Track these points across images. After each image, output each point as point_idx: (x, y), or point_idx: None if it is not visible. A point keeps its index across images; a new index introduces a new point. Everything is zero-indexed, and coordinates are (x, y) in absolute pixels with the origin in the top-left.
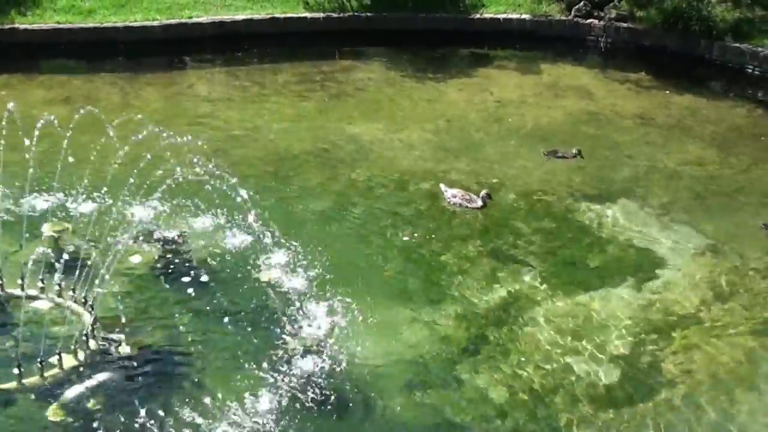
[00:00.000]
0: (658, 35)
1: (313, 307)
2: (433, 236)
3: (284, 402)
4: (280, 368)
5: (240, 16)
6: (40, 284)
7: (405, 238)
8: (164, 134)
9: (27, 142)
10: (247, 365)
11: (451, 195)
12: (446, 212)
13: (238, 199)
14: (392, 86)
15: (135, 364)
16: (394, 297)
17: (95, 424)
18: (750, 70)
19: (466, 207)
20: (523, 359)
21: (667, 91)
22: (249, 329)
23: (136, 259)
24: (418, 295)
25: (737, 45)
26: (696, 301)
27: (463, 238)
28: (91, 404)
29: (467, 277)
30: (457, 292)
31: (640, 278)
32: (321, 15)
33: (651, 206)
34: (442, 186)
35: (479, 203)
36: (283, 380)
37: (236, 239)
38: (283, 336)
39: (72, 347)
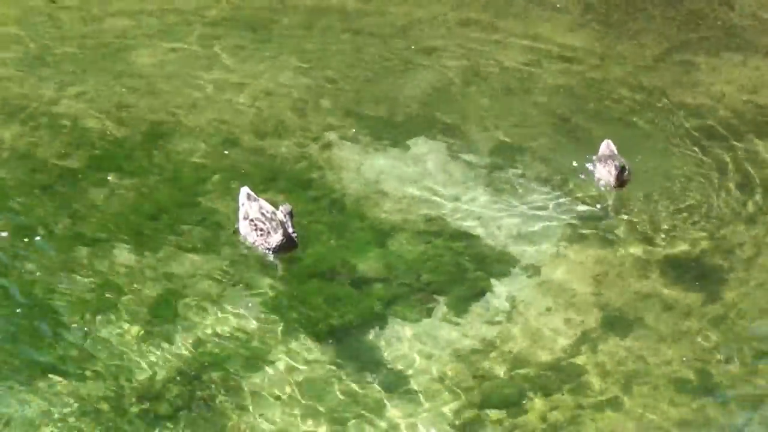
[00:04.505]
0: None
1: None
2: None
3: None
4: None
5: None
6: None
7: None
8: None
9: None
10: None
11: (250, 224)
12: None
13: None
14: None
15: None
16: None
17: None
18: None
19: (261, 248)
20: None
21: None
22: None
23: None
24: None
25: None
26: (569, 337)
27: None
28: None
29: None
30: None
31: (461, 298)
32: None
33: (475, 151)
34: (244, 193)
35: (278, 239)
36: None
37: None
38: None
39: None
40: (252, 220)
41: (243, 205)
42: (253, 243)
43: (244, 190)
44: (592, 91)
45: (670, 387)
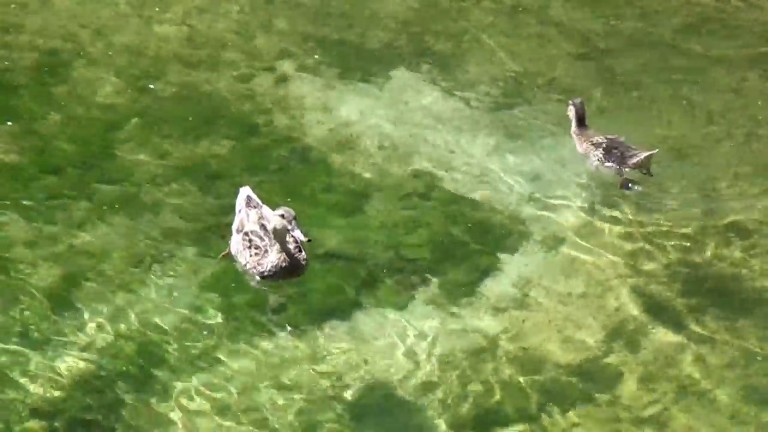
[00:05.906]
0: None
1: None
2: None
3: None
4: None
5: None
6: None
7: None
8: None
9: None
10: None
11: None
12: None
13: None
14: None
15: None
16: None
17: None
18: None
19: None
20: None
21: None
22: None
23: None
24: None
25: None
26: (599, 331)
27: None
28: None
29: None
30: None
31: (458, 280)
32: None
33: (473, 85)
34: (244, 194)
35: (272, 261)
36: None
37: None
38: None
39: None
40: (246, 234)
41: (240, 212)
42: (245, 265)
43: (245, 191)
44: (629, 6)
45: (737, 397)
